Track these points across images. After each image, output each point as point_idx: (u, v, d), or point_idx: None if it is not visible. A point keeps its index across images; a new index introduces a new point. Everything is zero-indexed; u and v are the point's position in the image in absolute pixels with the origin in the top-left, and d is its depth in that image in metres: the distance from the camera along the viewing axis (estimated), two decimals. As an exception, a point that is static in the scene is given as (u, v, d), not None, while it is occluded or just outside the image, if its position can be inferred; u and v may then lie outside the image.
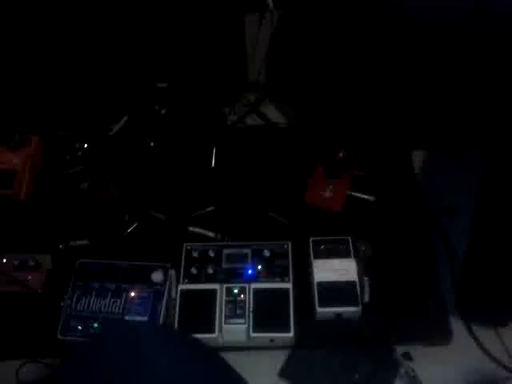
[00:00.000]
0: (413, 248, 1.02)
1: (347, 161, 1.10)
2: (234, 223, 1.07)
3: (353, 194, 1.08)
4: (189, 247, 1.00)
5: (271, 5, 1.08)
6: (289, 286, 0.95)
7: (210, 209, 1.09)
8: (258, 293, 0.94)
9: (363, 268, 0.98)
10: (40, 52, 1.10)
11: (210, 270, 0.97)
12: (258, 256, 0.99)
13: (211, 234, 1.03)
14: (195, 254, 0.99)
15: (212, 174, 1.15)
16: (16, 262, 0.99)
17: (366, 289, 0.95)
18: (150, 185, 1.11)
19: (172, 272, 0.97)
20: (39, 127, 1.17)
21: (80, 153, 1.11)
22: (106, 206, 1.09)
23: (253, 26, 1.15)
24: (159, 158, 1.12)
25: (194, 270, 0.97)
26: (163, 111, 1.13)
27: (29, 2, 1.03)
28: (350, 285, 0.94)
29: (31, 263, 0.99)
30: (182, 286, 0.95)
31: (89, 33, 1.08)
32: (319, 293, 0.93)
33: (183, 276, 0.97)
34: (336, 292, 0.93)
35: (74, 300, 0.93)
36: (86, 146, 1.13)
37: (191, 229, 1.02)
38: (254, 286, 0.94)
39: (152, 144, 1.11)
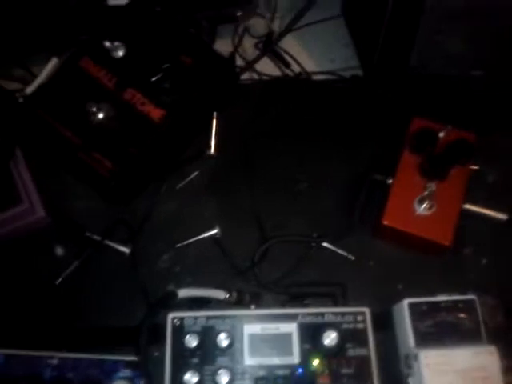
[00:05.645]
0: None
1: (458, 147, 0.61)
2: (262, 264, 0.59)
3: (472, 208, 0.60)
4: (177, 322, 0.52)
5: None
6: (379, 409, 0.49)
7: (212, 232, 0.61)
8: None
9: (506, 360, 0.52)
10: None
11: (225, 378, 0.49)
12: (311, 338, 0.52)
13: (221, 295, 0.54)
14: (192, 342, 0.50)
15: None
16: None
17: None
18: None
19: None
20: None
21: None
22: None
23: None
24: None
25: (191, 378, 0.49)
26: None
27: None
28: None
29: None
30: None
31: None
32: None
33: (170, 388, 0.49)
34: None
35: None
36: None
37: (181, 294, 0.52)
38: (310, 410, 0.48)
39: None
